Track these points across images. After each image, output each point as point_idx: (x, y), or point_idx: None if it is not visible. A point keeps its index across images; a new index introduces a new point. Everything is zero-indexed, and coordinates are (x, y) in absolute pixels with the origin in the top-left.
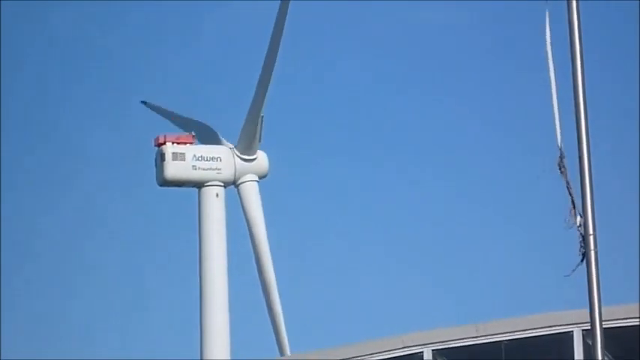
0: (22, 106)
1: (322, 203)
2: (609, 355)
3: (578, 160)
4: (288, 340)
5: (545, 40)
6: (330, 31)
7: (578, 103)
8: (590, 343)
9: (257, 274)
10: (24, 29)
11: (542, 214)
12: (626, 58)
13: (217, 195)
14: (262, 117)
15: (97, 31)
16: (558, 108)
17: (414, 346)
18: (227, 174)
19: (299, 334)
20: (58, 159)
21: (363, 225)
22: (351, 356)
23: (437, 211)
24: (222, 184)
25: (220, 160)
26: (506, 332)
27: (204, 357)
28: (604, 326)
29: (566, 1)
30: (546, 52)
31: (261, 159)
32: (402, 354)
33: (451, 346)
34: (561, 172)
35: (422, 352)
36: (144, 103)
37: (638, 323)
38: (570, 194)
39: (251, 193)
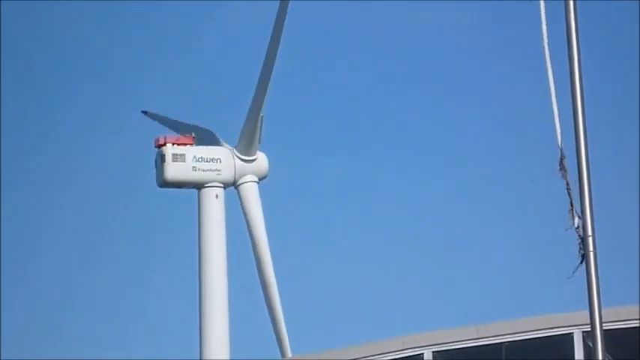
0: (22, 107)
1: (322, 204)
2: (610, 357)
3: (576, 161)
4: (289, 341)
5: (542, 37)
6: (330, 31)
7: (575, 103)
8: (591, 344)
9: (257, 275)
10: (24, 29)
11: (542, 215)
12: (626, 58)
13: (217, 196)
14: (262, 117)
15: (97, 31)
16: (558, 108)
17: (414, 347)
18: (227, 175)
19: (299, 336)
20: (57, 160)
21: (363, 226)
22: (351, 358)
23: (437, 211)
24: (222, 185)
25: (220, 162)
26: (507, 334)
27: (204, 358)
28: (604, 328)
29: (563, 1)
30: (543, 49)
31: (261, 160)
32: (402, 355)
33: (451, 347)
34: (562, 173)
35: (422, 353)
36: (144, 112)
37: (638, 325)
38: (570, 195)
39: (251, 193)
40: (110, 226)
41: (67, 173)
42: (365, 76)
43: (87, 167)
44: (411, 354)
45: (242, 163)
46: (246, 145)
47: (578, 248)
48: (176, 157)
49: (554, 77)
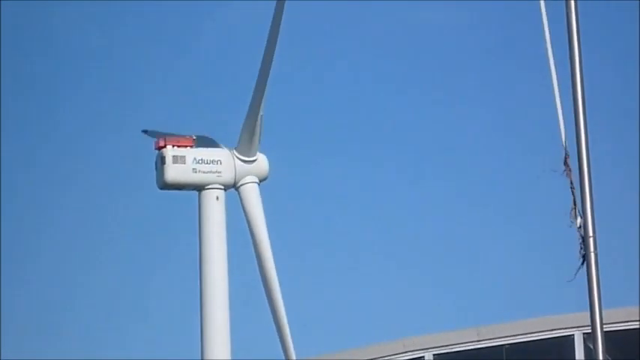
0: (21, 107)
1: (323, 205)
2: (610, 359)
3: (577, 160)
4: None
5: (544, 37)
6: (330, 31)
7: (576, 102)
8: (592, 346)
9: (258, 277)
10: (23, 29)
11: (542, 216)
12: (627, 57)
13: (217, 198)
14: (262, 117)
15: (96, 31)
16: (561, 106)
17: (415, 350)
18: (227, 177)
19: (300, 337)
20: (57, 161)
21: (363, 227)
22: None
23: (438, 212)
24: (222, 187)
25: (220, 163)
26: (508, 336)
27: (206, 359)
28: (605, 329)
29: (564, 0)
30: (546, 49)
31: (261, 161)
32: (403, 358)
33: (452, 350)
34: (566, 172)
35: (423, 356)
36: (144, 132)
37: (639, 326)
38: (573, 194)
39: (251, 194)
40: (111, 227)
41: (66, 174)
42: (365, 76)
43: (86, 169)
44: (412, 356)
45: (242, 164)
46: (246, 146)
47: (579, 249)
48: (176, 159)
49: (557, 77)
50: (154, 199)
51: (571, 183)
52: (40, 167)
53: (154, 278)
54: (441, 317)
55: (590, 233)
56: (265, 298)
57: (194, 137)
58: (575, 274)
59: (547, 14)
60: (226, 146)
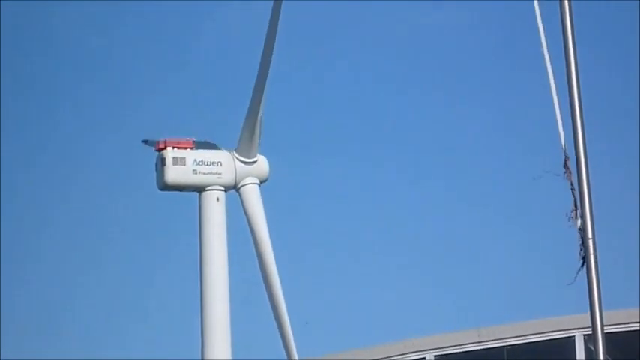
0: (21, 108)
1: (324, 206)
2: None
3: (575, 162)
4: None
5: (539, 37)
6: (330, 32)
7: (573, 104)
8: (592, 347)
9: (259, 278)
10: (23, 30)
11: (543, 217)
12: (626, 57)
13: (218, 199)
14: (261, 118)
15: (96, 31)
16: (559, 109)
17: (416, 351)
18: (228, 178)
19: (300, 338)
20: (57, 162)
21: (364, 227)
22: None
23: (439, 213)
24: (222, 188)
25: (221, 165)
26: (509, 337)
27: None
28: (605, 331)
29: (558, 1)
30: (542, 50)
31: (262, 163)
32: (404, 359)
33: (453, 351)
34: (566, 174)
35: (424, 357)
36: (144, 142)
37: (639, 327)
38: (574, 196)
39: (252, 195)
40: (111, 229)
41: (66, 176)
42: (365, 76)
43: (86, 170)
44: (413, 357)
45: (242, 165)
46: (246, 147)
47: (579, 250)
48: (176, 161)
49: (554, 78)
50: (154, 201)
51: (571, 185)
52: (39, 168)
53: (155, 280)
54: (442, 318)
55: (590, 235)
56: (266, 298)
57: (194, 139)
58: (575, 277)
59: (544, 15)
60: (226, 149)
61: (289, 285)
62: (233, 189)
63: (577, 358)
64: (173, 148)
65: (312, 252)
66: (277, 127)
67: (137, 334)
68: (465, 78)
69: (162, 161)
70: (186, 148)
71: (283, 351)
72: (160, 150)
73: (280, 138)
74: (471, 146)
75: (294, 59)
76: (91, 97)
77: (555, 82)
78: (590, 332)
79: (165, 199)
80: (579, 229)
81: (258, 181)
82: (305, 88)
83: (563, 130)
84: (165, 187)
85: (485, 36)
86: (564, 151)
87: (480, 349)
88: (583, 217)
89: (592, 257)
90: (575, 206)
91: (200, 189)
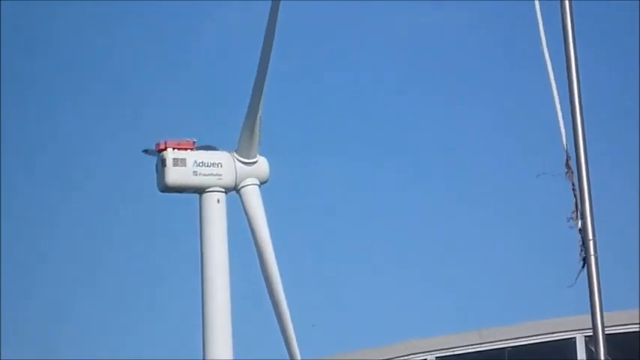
0: (22, 109)
1: (324, 208)
2: None
3: (575, 163)
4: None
5: (539, 35)
6: (330, 32)
7: (574, 103)
8: (593, 349)
9: (260, 279)
10: (23, 30)
11: (544, 218)
12: (626, 57)
13: (218, 201)
14: (261, 118)
15: (96, 31)
16: (561, 109)
17: (417, 353)
18: (228, 179)
19: (302, 340)
20: (57, 164)
21: (364, 229)
22: None
23: (439, 214)
24: (223, 189)
25: (221, 166)
26: (510, 339)
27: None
28: (606, 332)
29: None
30: (542, 50)
31: (262, 164)
32: None
33: (454, 352)
34: (568, 174)
35: (425, 359)
36: (145, 151)
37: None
38: (575, 196)
39: (252, 196)
40: (112, 231)
41: (66, 178)
42: (365, 76)
43: (86, 172)
44: (414, 359)
45: (243, 166)
46: (246, 148)
47: (580, 251)
48: (177, 162)
49: (555, 78)
50: (155, 202)
51: (573, 185)
52: (39, 169)
53: (156, 282)
54: (443, 320)
55: (590, 236)
56: (268, 299)
57: (194, 140)
58: (576, 279)
59: (544, 15)
60: (227, 150)
61: (290, 285)
62: (233, 190)
63: (578, 359)
64: (173, 149)
65: (312, 254)
66: (277, 128)
67: (138, 335)
68: (465, 78)
69: (162, 162)
70: (186, 149)
71: (285, 351)
72: (160, 151)
73: (280, 139)
74: (472, 146)
75: (294, 59)
76: (91, 97)
77: (556, 82)
78: (591, 333)
79: (166, 201)
80: (580, 229)
81: (258, 182)
82: (305, 89)
83: (565, 130)
84: (165, 188)
85: (486, 36)
86: (566, 151)
87: (481, 351)
88: (583, 217)
89: (593, 258)
90: (576, 206)
91: (200, 190)
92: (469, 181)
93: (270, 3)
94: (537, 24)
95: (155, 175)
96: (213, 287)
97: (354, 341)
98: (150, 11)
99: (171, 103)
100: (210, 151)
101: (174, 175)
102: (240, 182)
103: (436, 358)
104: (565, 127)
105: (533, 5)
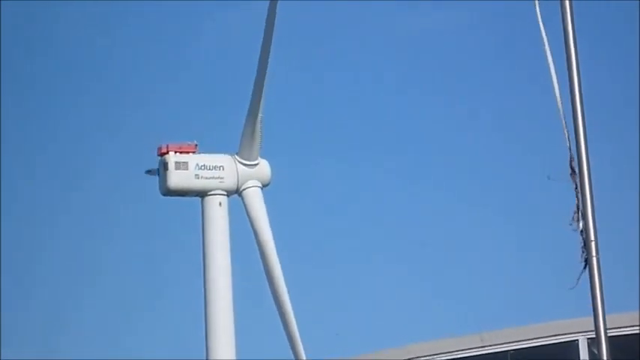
0: (21, 109)
1: (325, 209)
2: None
3: (577, 164)
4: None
5: (540, 35)
6: (330, 33)
7: (575, 105)
8: (596, 351)
9: (262, 283)
10: (23, 30)
11: (545, 220)
12: (627, 57)
13: (220, 204)
14: (262, 118)
15: (96, 31)
16: (563, 110)
17: (418, 357)
18: (230, 182)
19: (303, 342)
20: (58, 165)
21: (365, 232)
22: None
23: (441, 217)
24: (225, 192)
25: (223, 169)
26: (512, 342)
27: None
28: (609, 334)
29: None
30: (545, 51)
31: (264, 166)
32: None
33: (456, 356)
34: (571, 175)
35: None
36: (148, 172)
37: None
38: (577, 197)
39: (254, 198)
40: (114, 234)
41: (67, 179)
42: (365, 77)
43: (88, 173)
44: None
45: (244, 168)
46: (247, 150)
47: (581, 253)
48: (179, 165)
49: (557, 80)
50: (157, 206)
51: (576, 186)
52: (41, 171)
53: (157, 285)
54: (444, 323)
55: (592, 237)
56: (270, 300)
57: (196, 143)
58: (578, 281)
59: (545, 15)
60: (228, 153)
61: (291, 286)
62: (235, 193)
63: None
64: (175, 152)
65: (312, 256)
66: (277, 130)
67: (141, 336)
68: (465, 78)
69: (164, 166)
70: (188, 152)
71: (288, 352)
72: (162, 154)
73: (280, 140)
74: (473, 147)
75: (294, 60)
76: (91, 97)
77: (558, 83)
78: (594, 336)
79: (168, 204)
80: (581, 231)
81: (260, 184)
82: (305, 89)
83: (568, 131)
84: (167, 192)
85: (486, 36)
86: (569, 151)
87: (483, 354)
88: (585, 219)
89: (594, 260)
90: (578, 208)
91: (202, 194)
92: (470, 182)
93: (269, 3)
94: (538, 24)
95: (156, 177)
96: (216, 289)
97: (355, 345)
98: (150, 11)
99: (170, 103)
100: (212, 155)
101: (176, 179)
102: (242, 185)
103: None
104: (568, 129)
105: (533, 6)
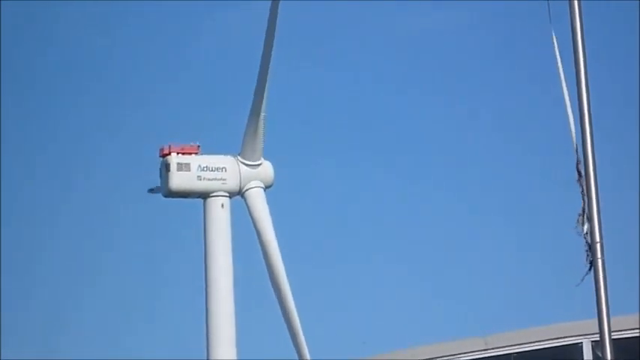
0: (21, 109)
1: (326, 211)
2: None
3: (583, 165)
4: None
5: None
6: (331, 34)
7: (582, 107)
8: (600, 354)
9: (265, 284)
10: (23, 30)
11: (550, 223)
12: (627, 57)
13: (223, 206)
14: (264, 117)
15: (97, 32)
16: (572, 114)
17: (422, 359)
18: (232, 184)
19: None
20: (58, 165)
21: (368, 235)
22: None
23: (444, 219)
24: (227, 194)
25: (225, 171)
26: (516, 344)
27: None
28: (613, 337)
29: (568, 1)
30: (557, 68)
31: (266, 167)
32: None
33: (461, 359)
34: (578, 178)
35: None
36: (151, 190)
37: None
38: (584, 200)
39: (257, 198)
40: (114, 235)
41: (68, 179)
42: (365, 77)
43: (89, 174)
44: None
45: (247, 169)
46: (250, 149)
47: (586, 255)
48: (181, 167)
49: (567, 83)
50: (159, 207)
51: (582, 189)
52: (42, 175)
53: (159, 287)
54: (448, 326)
55: (597, 239)
56: (271, 301)
57: (198, 144)
58: (583, 279)
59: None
60: (230, 154)
61: (294, 285)
62: (238, 194)
63: None
64: (177, 153)
65: (314, 256)
66: (278, 130)
67: (142, 336)
68: (466, 78)
69: (166, 167)
70: (190, 154)
71: (292, 352)
72: (164, 156)
73: (282, 141)
74: (474, 148)
75: (294, 60)
76: (91, 97)
77: (568, 88)
78: (598, 338)
79: (170, 205)
80: (585, 233)
81: (263, 185)
82: (305, 89)
83: (576, 135)
84: (169, 193)
85: (485, 36)
86: (577, 155)
87: (487, 357)
88: (591, 221)
89: (600, 261)
90: (583, 211)
91: (205, 195)
92: (470, 183)
93: (269, 3)
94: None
95: (159, 179)
96: (217, 290)
97: (358, 347)
98: (150, 11)
99: (171, 103)
100: (214, 156)
101: (179, 180)
102: (245, 185)
103: None
104: (576, 132)
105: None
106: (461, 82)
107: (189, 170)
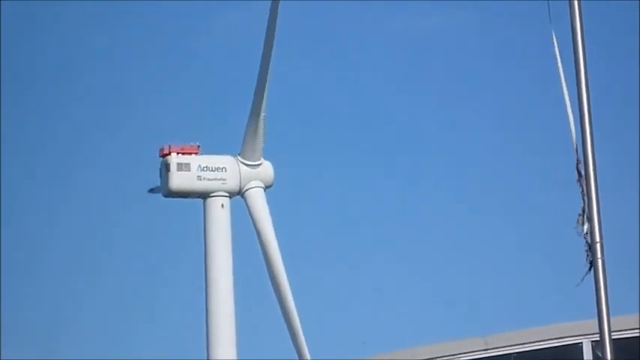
0: (21, 109)
1: (328, 212)
2: None
3: (583, 165)
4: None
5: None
6: (331, 35)
7: (582, 107)
8: (600, 354)
9: (265, 285)
10: (24, 31)
11: (549, 223)
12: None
13: (223, 206)
14: (264, 117)
15: (97, 32)
16: (572, 114)
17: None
18: (232, 184)
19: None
20: (58, 167)
21: (368, 235)
22: None
23: (444, 219)
24: (227, 194)
25: (225, 170)
26: (516, 344)
27: None
28: (613, 337)
29: (568, 1)
30: (557, 68)
31: (267, 167)
32: None
33: (460, 359)
34: (578, 178)
35: None
36: (151, 190)
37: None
38: (584, 200)
39: (257, 198)
40: (114, 235)
41: (68, 180)
42: (365, 77)
43: (90, 174)
44: None
45: (247, 169)
46: (250, 149)
47: (586, 255)
48: (181, 167)
49: (567, 84)
50: (159, 207)
51: (582, 189)
52: (41, 175)
53: (159, 287)
54: (448, 326)
55: (597, 239)
56: (271, 301)
57: (199, 144)
58: (583, 278)
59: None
60: (230, 150)
61: (294, 285)
62: (238, 194)
63: None
64: (177, 153)
65: (314, 257)
66: (278, 130)
67: (142, 336)
68: (466, 78)
69: (166, 167)
70: (190, 154)
71: (292, 352)
72: (164, 156)
73: (282, 141)
74: (474, 148)
75: (294, 60)
76: (91, 97)
77: (568, 89)
78: (598, 338)
79: (169, 205)
80: (585, 233)
81: (263, 185)
82: (305, 89)
83: (576, 135)
84: (169, 193)
85: (485, 37)
86: (577, 155)
87: (487, 357)
88: (591, 221)
89: (600, 261)
90: (583, 211)
91: (205, 195)
92: (475, 188)
93: (269, 3)
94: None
95: (159, 180)
96: (217, 290)
97: (357, 348)
98: (150, 11)
99: (171, 103)
100: (214, 156)
101: (179, 180)
102: (245, 185)
103: None
104: (576, 132)
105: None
106: (461, 82)
107: (189, 170)
